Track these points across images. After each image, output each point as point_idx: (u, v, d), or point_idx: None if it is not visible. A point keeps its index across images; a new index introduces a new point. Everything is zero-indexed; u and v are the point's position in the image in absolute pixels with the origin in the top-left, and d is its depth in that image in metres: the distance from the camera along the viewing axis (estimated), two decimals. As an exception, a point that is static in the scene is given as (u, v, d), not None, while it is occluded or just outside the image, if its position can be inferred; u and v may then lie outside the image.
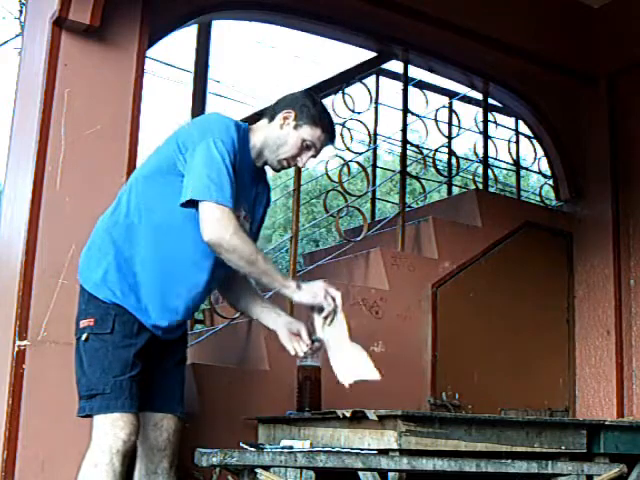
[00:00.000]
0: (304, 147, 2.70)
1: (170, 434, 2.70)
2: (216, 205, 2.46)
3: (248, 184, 2.68)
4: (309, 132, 2.69)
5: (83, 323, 2.56)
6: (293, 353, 2.75)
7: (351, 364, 2.68)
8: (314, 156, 2.75)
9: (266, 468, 2.54)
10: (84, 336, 2.54)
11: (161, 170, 2.59)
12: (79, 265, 2.67)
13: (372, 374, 2.66)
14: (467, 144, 6.59)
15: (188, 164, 2.52)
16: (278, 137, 2.69)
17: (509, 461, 2.83)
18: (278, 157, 2.71)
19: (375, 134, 5.11)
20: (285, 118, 2.69)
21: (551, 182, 5.36)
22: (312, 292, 2.60)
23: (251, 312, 2.87)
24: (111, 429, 2.44)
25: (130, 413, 2.47)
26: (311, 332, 2.75)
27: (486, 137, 5.32)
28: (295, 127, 2.69)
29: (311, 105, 2.70)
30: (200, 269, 2.60)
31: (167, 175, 2.57)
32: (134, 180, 2.67)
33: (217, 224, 2.46)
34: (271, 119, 2.72)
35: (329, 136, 2.75)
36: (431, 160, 5.15)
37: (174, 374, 2.76)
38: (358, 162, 4.93)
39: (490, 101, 5.30)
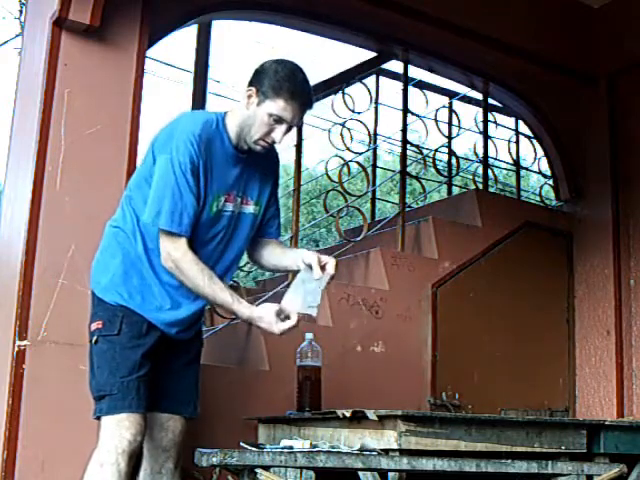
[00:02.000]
0: (273, 122, 2.56)
1: (176, 435, 2.70)
2: (166, 234, 2.49)
3: (225, 166, 2.61)
4: (272, 106, 2.52)
5: (93, 326, 2.58)
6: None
7: (300, 297, 2.61)
8: (290, 128, 2.60)
9: (266, 468, 2.54)
10: (94, 339, 2.55)
11: (145, 178, 2.60)
12: (92, 270, 2.69)
13: (310, 310, 2.59)
14: (467, 144, 6.58)
15: (152, 179, 2.53)
16: (248, 117, 2.57)
17: (509, 461, 2.83)
18: (252, 138, 2.59)
19: (375, 134, 5.11)
20: (249, 97, 2.57)
21: (551, 182, 5.36)
22: (264, 321, 2.54)
23: (276, 262, 2.82)
24: (117, 429, 2.44)
25: (137, 413, 2.47)
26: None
27: (486, 137, 5.31)
28: (258, 104, 2.55)
29: (272, 75, 2.54)
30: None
31: (148, 185, 2.57)
32: (129, 186, 2.70)
33: (166, 255, 2.51)
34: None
35: (297, 103, 2.54)
36: (431, 160, 5.15)
37: (184, 374, 2.74)
38: (358, 162, 4.93)
39: (490, 101, 5.30)
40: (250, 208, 2.71)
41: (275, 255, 2.80)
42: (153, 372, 2.57)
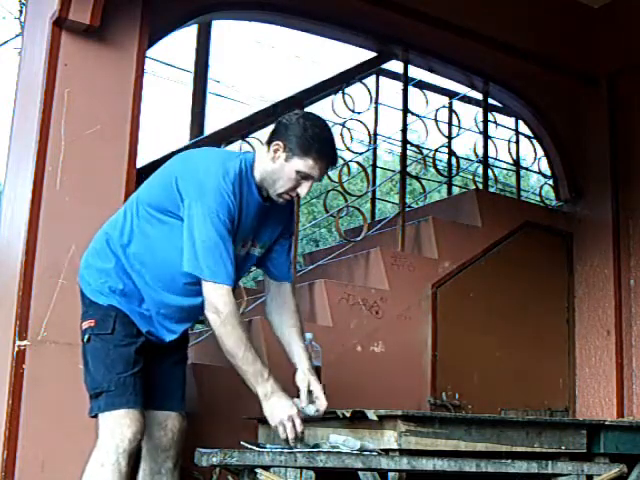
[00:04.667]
0: (301, 178, 2.56)
1: (175, 434, 2.71)
2: (214, 285, 2.47)
3: (253, 215, 2.62)
4: (301, 164, 2.53)
5: (84, 325, 2.59)
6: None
7: None
8: (317, 181, 2.62)
9: (266, 468, 2.53)
10: (86, 337, 2.57)
11: (161, 208, 2.58)
12: (80, 269, 2.68)
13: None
14: (467, 144, 6.58)
15: (185, 225, 2.49)
16: (273, 172, 2.57)
17: (509, 461, 2.82)
18: (276, 192, 2.59)
19: (375, 134, 5.10)
20: (275, 151, 2.55)
21: (551, 182, 5.36)
22: (273, 416, 2.54)
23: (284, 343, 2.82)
24: (118, 427, 2.44)
25: (135, 410, 2.48)
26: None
27: (486, 137, 5.31)
28: (286, 159, 2.54)
29: (300, 132, 2.52)
30: (197, 293, 2.57)
31: (166, 214, 2.56)
32: (135, 202, 2.65)
33: (213, 309, 2.48)
34: (268, 149, 2.59)
35: (325, 162, 2.57)
36: (431, 160, 5.15)
37: (173, 373, 2.77)
38: (358, 162, 4.93)
39: (490, 101, 5.30)
40: (257, 251, 2.73)
41: (282, 334, 2.80)
42: (146, 370, 2.58)
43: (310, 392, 2.67)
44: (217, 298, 2.47)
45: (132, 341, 2.56)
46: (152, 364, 2.65)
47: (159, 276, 2.59)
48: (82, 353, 2.59)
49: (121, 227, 2.62)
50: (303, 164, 2.53)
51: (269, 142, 2.59)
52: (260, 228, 2.69)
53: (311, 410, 2.64)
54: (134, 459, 2.51)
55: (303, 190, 2.58)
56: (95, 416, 2.51)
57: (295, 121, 2.56)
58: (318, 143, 2.54)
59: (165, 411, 2.71)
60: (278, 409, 2.53)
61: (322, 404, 2.64)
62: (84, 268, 2.67)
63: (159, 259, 2.57)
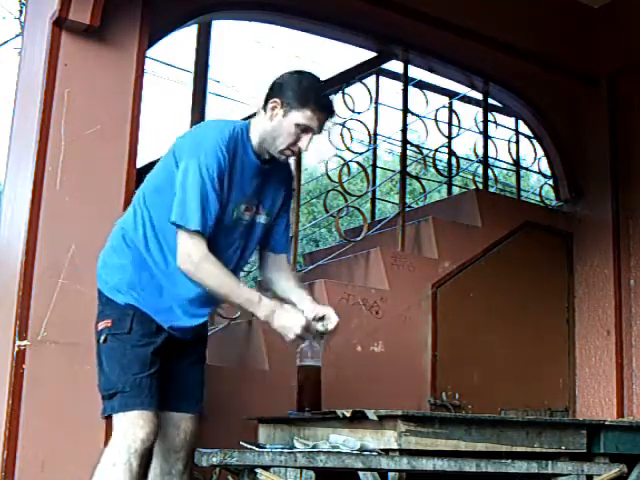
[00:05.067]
0: (300, 131, 2.60)
1: (187, 435, 2.70)
2: (188, 234, 2.49)
3: (250, 177, 2.65)
4: (299, 116, 2.57)
5: (101, 325, 2.57)
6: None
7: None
8: (316, 134, 2.64)
9: (266, 468, 2.53)
10: (102, 337, 2.55)
11: (165, 184, 2.61)
12: (97, 269, 2.68)
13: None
14: (467, 144, 6.58)
15: (176, 182, 2.54)
16: (272, 130, 2.61)
17: (509, 461, 2.82)
18: (278, 149, 2.63)
19: (375, 134, 5.11)
20: (273, 109, 2.60)
21: (551, 182, 5.36)
22: (286, 329, 2.59)
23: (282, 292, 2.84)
24: (130, 428, 2.43)
25: (150, 411, 2.47)
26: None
27: (486, 137, 5.31)
28: (284, 114, 2.58)
29: (295, 86, 2.58)
30: None
31: (170, 188, 2.58)
32: (143, 189, 2.69)
33: (186, 257, 2.50)
34: (265, 111, 2.64)
35: (322, 112, 2.60)
36: (431, 160, 5.15)
37: (191, 373, 2.75)
38: (358, 162, 4.93)
39: (490, 101, 5.30)
40: (262, 218, 2.74)
41: (281, 288, 2.82)
42: (163, 371, 2.57)
43: (322, 318, 2.70)
44: (190, 246, 2.49)
45: (150, 341, 2.54)
46: (170, 364, 2.63)
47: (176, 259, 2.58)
48: (96, 353, 2.58)
49: (133, 219, 2.63)
50: (302, 116, 2.57)
51: (265, 102, 2.63)
52: (263, 193, 2.71)
53: (320, 327, 2.66)
54: (147, 459, 2.49)
55: (304, 143, 2.62)
56: (108, 417, 2.49)
57: (289, 77, 2.62)
58: (314, 94, 2.59)
59: (180, 413, 2.70)
60: (288, 320, 2.58)
61: (333, 322, 2.69)
62: (101, 268, 2.66)
63: (172, 243, 2.57)
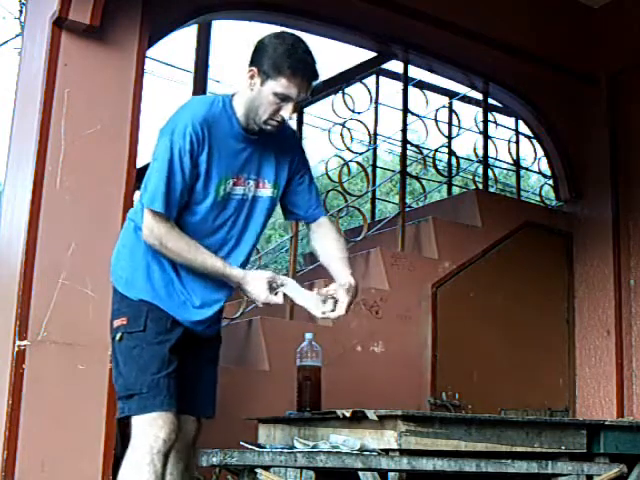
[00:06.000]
0: (280, 100, 2.47)
1: (190, 437, 2.64)
2: (151, 214, 2.46)
3: (235, 153, 2.57)
4: (275, 84, 2.44)
5: (116, 323, 2.52)
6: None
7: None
8: (300, 102, 2.52)
9: (266, 468, 2.54)
10: (118, 336, 2.49)
11: None
12: (111, 267, 2.65)
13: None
14: (467, 144, 6.59)
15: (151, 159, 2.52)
16: (253, 99, 2.50)
17: (509, 461, 2.83)
18: (261, 119, 2.51)
19: (375, 134, 5.11)
20: (251, 77, 2.48)
21: (551, 182, 5.36)
22: (253, 286, 2.49)
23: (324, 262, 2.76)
24: (150, 429, 2.38)
25: (169, 412, 2.41)
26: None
27: (486, 137, 5.32)
28: (262, 83, 2.45)
29: (271, 52, 2.44)
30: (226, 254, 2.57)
31: None
32: (145, 184, 2.63)
33: (148, 232, 2.47)
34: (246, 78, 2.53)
35: (300, 78, 2.46)
36: (431, 160, 5.16)
37: (203, 374, 2.69)
38: (358, 162, 4.94)
39: (490, 101, 5.31)
40: (267, 191, 2.63)
41: (323, 260, 2.75)
42: (178, 370, 2.50)
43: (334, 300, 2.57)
44: (153, 222, 2.45)
45: (166, 338, 2.48)
46: (185, 365, 2.56)
47: None
48: (112, 352, 2.53)
49: (141, 210, 2.60)
50: (277, 84, 2.45)
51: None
52: (262, 166, 2.62)
53: (322, 306, 2.50)
54: (167, 459, 2.47)
55: (286, 113, 2.50)
56: (124, 418, 2.47)
57: (267, 42, 2.50)
58: (289, 60, 2.45)
59: (185, 414, 2.67)
60: (253, 290, 2.48)
61: (333, 314, 2.53)
62: (114, 264, 2.63)
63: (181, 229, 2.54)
